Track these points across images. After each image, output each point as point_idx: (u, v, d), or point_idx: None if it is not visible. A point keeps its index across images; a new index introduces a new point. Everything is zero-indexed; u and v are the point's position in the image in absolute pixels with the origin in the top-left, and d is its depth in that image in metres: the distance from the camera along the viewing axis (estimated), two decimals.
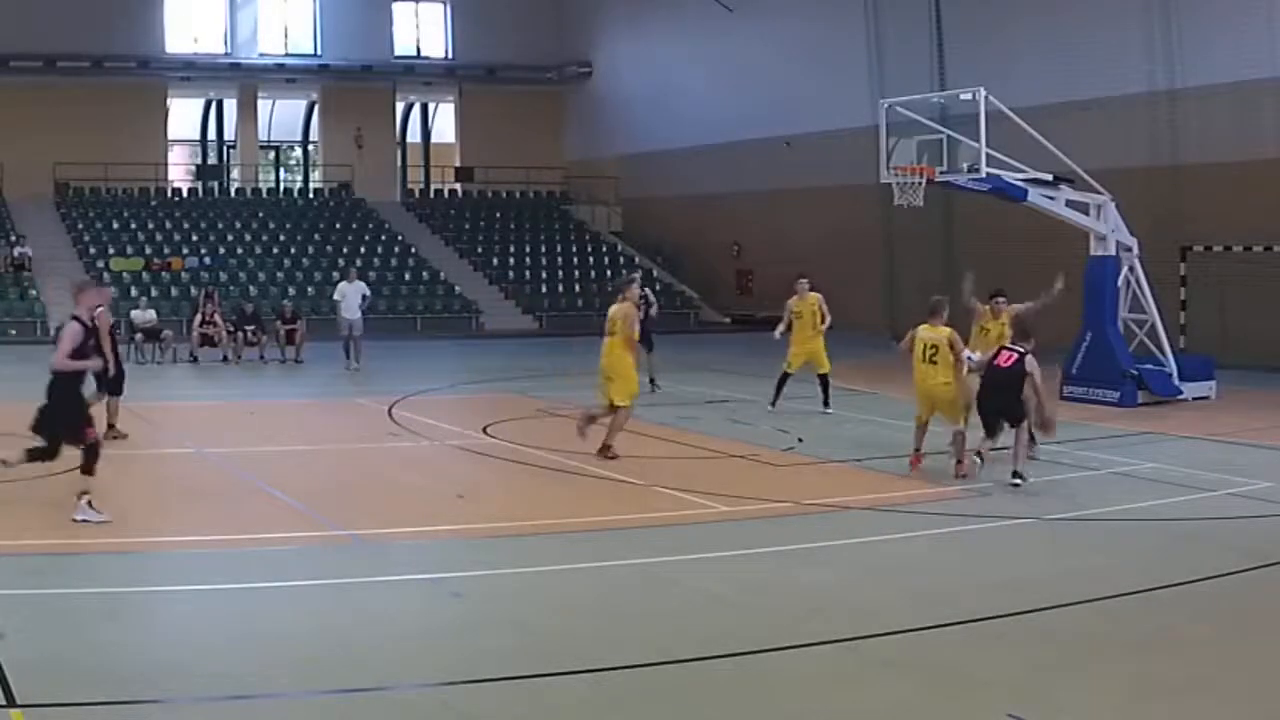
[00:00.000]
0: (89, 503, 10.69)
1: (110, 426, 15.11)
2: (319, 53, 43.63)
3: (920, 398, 13.59)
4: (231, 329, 26.79)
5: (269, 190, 44.23)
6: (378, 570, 9.61)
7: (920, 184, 19.16)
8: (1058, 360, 20.18)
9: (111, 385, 15.28)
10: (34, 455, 10.92)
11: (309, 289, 35.92)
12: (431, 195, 46.25)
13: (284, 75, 43.44)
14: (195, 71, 42.62)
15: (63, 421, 10.88)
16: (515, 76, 45.03)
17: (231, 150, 45.44)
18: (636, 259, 41.27)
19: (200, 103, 44.89)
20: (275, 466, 14.30)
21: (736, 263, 39.57)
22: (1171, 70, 26.42)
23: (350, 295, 25.43)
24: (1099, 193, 19.48)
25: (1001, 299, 15.28)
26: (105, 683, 6.85)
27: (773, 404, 18.11)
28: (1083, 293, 19.88)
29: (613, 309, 14.62)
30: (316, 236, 40.14)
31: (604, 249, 42.31)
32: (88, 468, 10.82)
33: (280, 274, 37.19)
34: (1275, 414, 18.42)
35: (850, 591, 9.11)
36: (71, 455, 10.85)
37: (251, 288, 35.13)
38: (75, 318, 11.17)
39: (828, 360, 18.29)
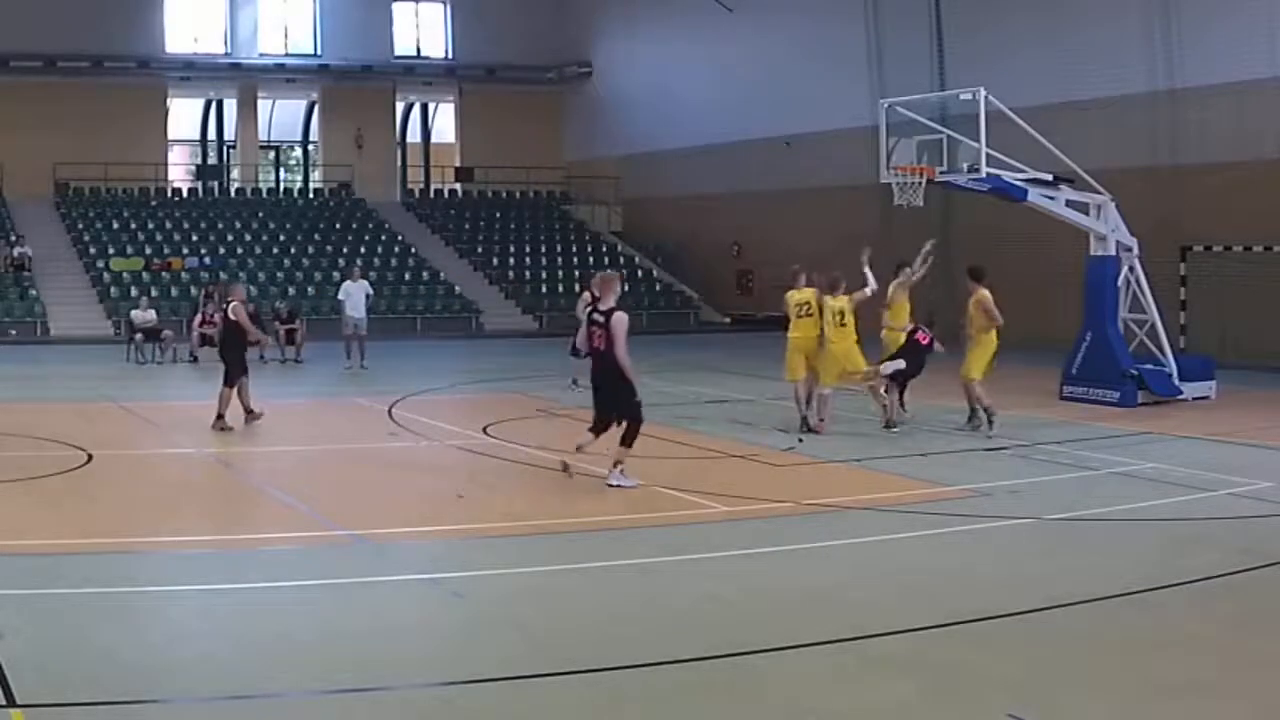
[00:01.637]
0: (622, 470, 12.36)
1: (249, 411, 16.64)
2: (319, 53, 43.64)
3: None
4: None
5: (269, 190, 44.24)
6: (378, 570, 9.61)
7: (920, 184, 19.14)
8: (1058, 360, 20.22)
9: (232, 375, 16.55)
10: (599, 429, 12.62)
11: (309, 289, 35.92)
12: (431, 195, 46.25)
13: (284, 75, 43.45)
14: (195, 71, 42.63)
15: (627, 401, 12.41)
16: (515, 76, 45.03)
17: (231, 150, 45.45)
18: (636, 259, 41.34)
19: (200, 103, 44.90)
20: (275, 466, 14.32)
21: (736, 263, 39.57)
22: (1171, 70, 26.43)
23: (355, 294, 25.44)
24: (1099, 193, 19.47)
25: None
26: (105, 683, 6.85)
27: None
28: (1083, 293, 19.89)
29: (829, 300, 15.97)
30: (316, 236, 40.14)
31: (604, 249, 42.29)
32: (629, 441, 12.39)
33: (280, 274, 37.19)
34: (1275, 414, 18.42)
35: (850, 591, 9.11)
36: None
37: (251, 288, 35.09)
38: (617, 309, 12.46)
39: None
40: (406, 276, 38.54)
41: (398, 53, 44.80)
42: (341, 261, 37.51)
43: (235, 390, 16.54)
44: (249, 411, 16.65)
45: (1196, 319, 24.34)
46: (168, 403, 20.06)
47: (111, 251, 36.83)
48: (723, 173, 38.39)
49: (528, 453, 14.67)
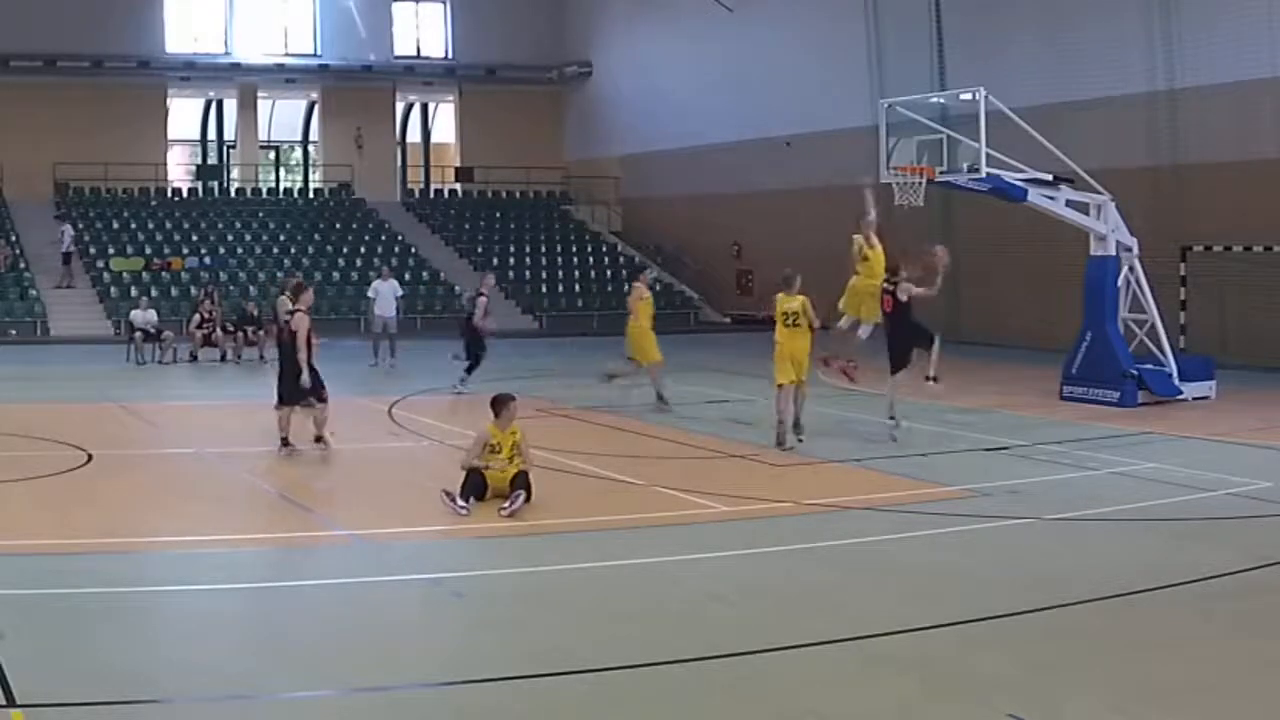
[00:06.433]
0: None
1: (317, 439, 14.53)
2: (319, 53, 43.62)
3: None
4: (231, 329, 26.80)
5: (269, 190, 44.21)
6: (378, 570, 9.61)
7: (920, 184, 19.12)
8: (1058, 360, 20.21)
9: (292, 393, 14.44)
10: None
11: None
12: (431, 195, 46.23)
13: (284, 75, 43.40)
14: (195, 71, 42.57)
15: (922, 333, 15.76)
16: (515, 76, 45.01)
17: (231, 150, 45.42)
18: (636, 259, 41.32)
19: (200, 103, 44.86)
20: (275, 466, 14.30)
21: (737, 263, 39.56)
22: (1171, 70, 26.41)
23: (384, 293, 25.81)
24: (1099, 193, 19.47)
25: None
26: (105, 683, 6.85)
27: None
28: (1083, 293, 19.89)
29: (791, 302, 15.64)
30: (316, 236, 40.13)
31: (604, 249, 42.30)
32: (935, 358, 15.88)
33: (280, 274, 37.14)
34: (1275, 414, 18.41)
35: (850, 591, 9.11)
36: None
37: (251, 288, 35.13)
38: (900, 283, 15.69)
39: None
40: (406, 276, 38.44)
41: (398, 53, 44.78)
42: (341, 262, 37.51)
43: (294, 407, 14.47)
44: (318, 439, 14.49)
45: (1196, 319, 24.33)
46: (168, 403, 20.06)
47: (111, 251, 36.81)
48: (723, 173, 38.38)
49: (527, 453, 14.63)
